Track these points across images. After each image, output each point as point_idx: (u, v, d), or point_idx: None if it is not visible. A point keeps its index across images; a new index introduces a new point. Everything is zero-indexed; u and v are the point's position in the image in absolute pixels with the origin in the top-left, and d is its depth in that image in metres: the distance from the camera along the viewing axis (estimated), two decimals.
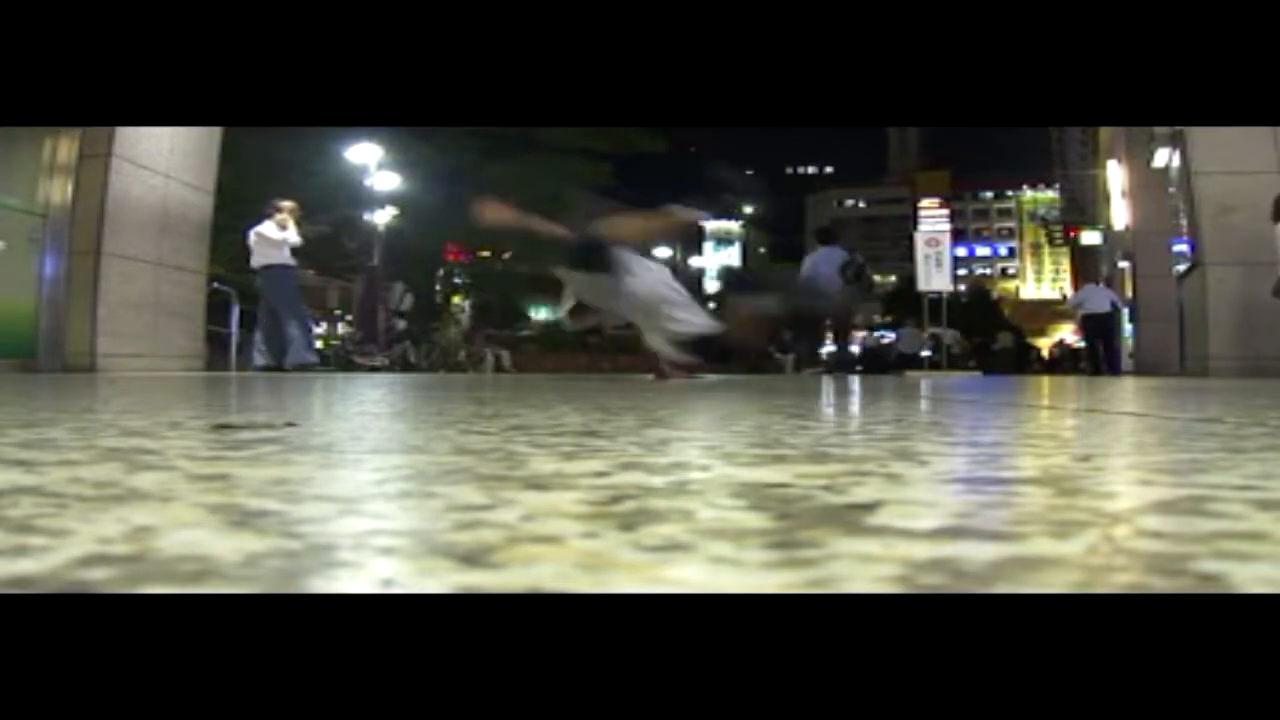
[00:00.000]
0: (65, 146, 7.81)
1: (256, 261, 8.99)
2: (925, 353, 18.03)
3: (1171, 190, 11.66)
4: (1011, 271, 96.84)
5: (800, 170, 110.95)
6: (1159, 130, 10.61)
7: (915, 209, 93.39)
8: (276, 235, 9.10)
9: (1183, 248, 11.00)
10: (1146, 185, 13.59)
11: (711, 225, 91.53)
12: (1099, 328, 13.13)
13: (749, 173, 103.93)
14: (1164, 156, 11.27)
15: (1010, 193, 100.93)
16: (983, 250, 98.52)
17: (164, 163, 8.52)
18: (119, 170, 7.96)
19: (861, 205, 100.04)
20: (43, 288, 7.74)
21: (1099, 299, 13.34)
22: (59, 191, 7.81)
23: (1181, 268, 10.55)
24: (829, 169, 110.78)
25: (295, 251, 9.26)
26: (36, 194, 7.72)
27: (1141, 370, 12.66)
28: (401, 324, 18.01)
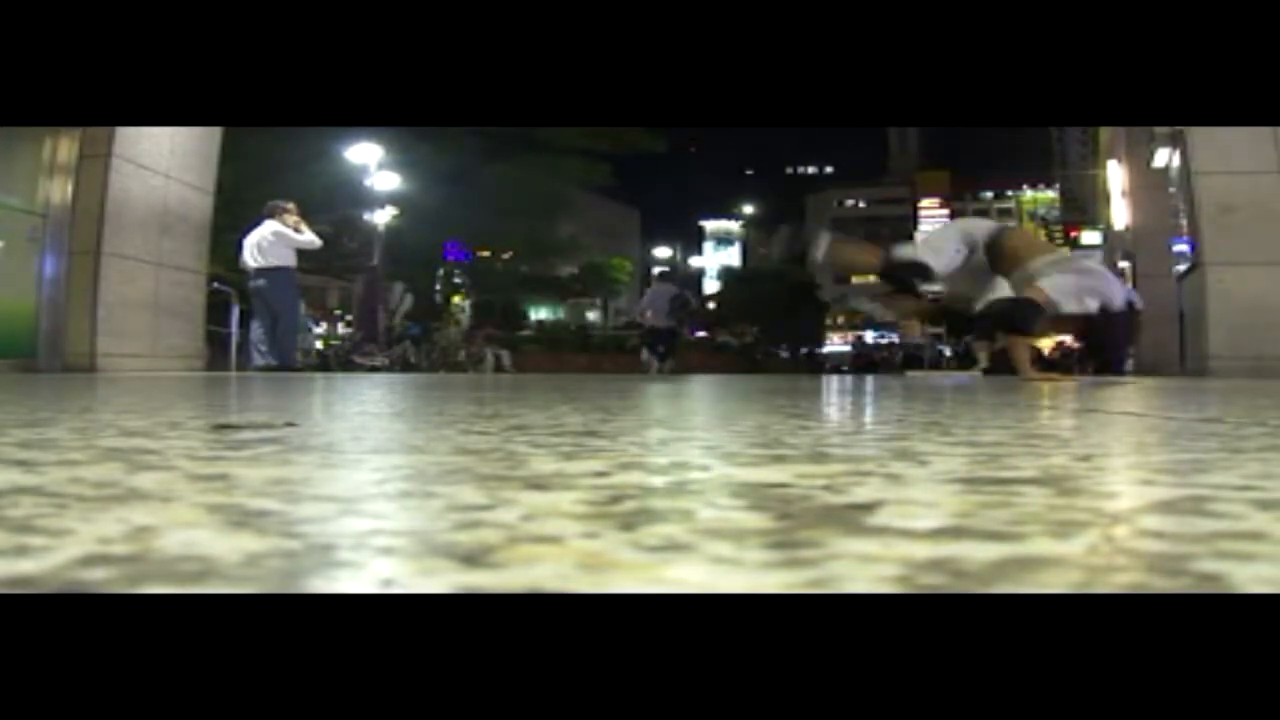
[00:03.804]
0: (65, 146, 7.80)
1: (266, 261, 8.92)
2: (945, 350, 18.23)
3: (1172, 190, 11.65)
4: None
5: (800, 170, 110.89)
6: (1159, 130, 10.61)
7: (915, 209, 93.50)
8: (298, 236, 9.07)
9: (1183, 248, 10.99)
10: (1146, 185, 13.56)
11: (711, 225, 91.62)
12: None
13: (748, 173, 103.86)
14: (1164, 156, 11.26)
15: (1010, 193, 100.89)
16: None
17: (164, 163, 8.52)
18: (119, 170, 7.96)
19: (861, 205, 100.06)
20: (43, 288, 7.73)
21: (1116, 296, 13.22)
22: (59, 191, 7.81)
23: (1181, 268, 10.54)
24: (829, 169, 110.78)
25: (298, 253, 9.25)
26: (36, 194, 7.72)
27: (1141, 370, 12.65)
28: (408, 325, 18.07)
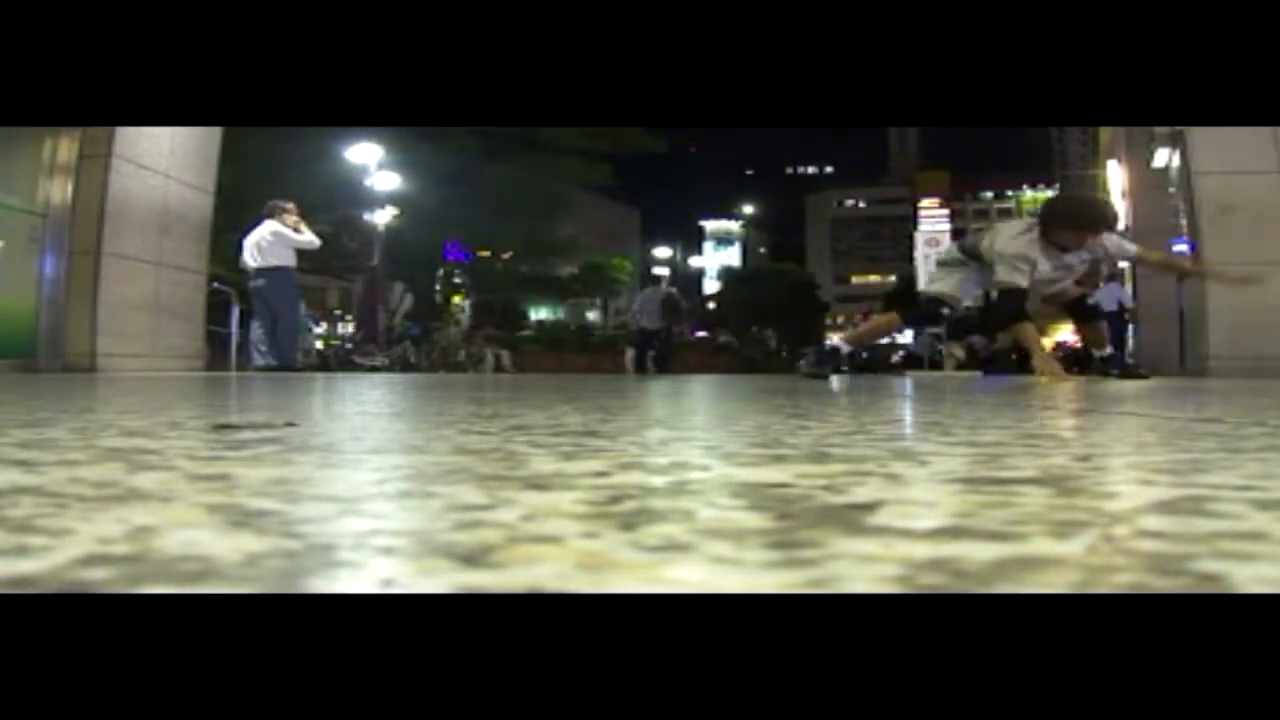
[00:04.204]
0: (65, 146, 7.81)
1: (265, 262, 8.92)
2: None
3: (1172, 190, 11.66)
4: None
5: (800, 170, 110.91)
6: (1159, 130, 10.63)
7: (915, 209, 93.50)
8: (297, 236, 9.07)
9: (1182, 248, 11.01)
10: (1147, 185, 13.57)
11: (711, 225, 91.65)
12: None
13: (748, 172, 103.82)
14: (1164, 156, 11.27)
15: (1010, 193, 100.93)
16: None
17: (164, 163, 8.52)
18: (119, 170, 7.96)
19: (861, 205, 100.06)
20: (43, 287, 7.73)
21: (1106, 297, 13.17)
22: (59, 191, 7.81)
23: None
24: (829, 169, 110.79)
25: (298, 253, 9.25)
26: (37, 194, 7.72)
27: (1141, 370, 12.63)
28: (408, 325, 18.12)
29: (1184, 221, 10.41)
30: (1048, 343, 11.85)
